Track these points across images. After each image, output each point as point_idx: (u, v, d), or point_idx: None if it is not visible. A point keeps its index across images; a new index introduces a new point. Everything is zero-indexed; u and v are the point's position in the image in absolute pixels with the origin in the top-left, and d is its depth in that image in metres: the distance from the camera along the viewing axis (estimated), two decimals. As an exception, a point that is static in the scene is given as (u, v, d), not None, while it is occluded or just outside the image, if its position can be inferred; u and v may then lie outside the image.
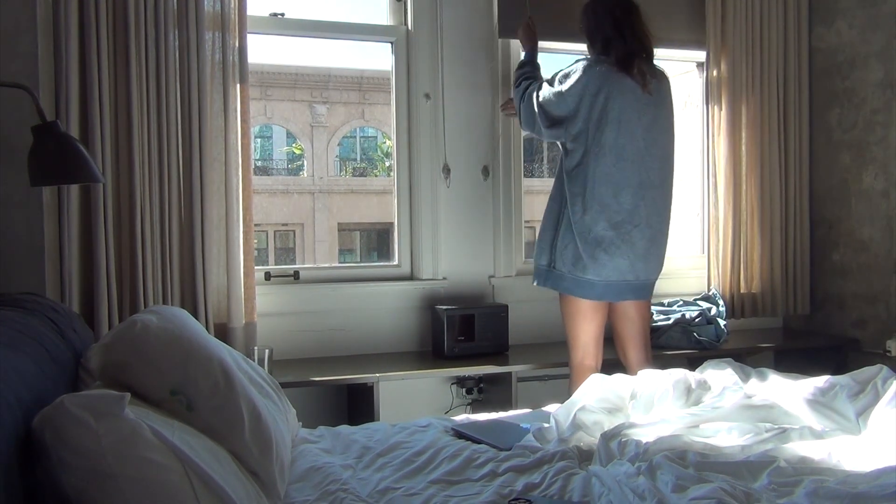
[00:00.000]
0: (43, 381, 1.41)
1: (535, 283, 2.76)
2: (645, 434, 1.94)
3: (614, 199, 2.59)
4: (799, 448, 1.88)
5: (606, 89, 2.59)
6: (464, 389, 3.14)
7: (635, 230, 2.61)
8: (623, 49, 2.62)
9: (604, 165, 2.58)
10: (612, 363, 2.80)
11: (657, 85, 2.67)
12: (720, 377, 2.30)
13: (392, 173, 3.26)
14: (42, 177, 2.04)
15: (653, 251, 2.67)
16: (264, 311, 2.88)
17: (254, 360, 2.31)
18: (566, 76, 2.66)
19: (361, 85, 13.02)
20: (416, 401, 3.07)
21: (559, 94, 2.64)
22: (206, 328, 2.58)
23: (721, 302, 3.31)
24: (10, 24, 2.30)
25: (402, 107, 3.19)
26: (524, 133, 2.93)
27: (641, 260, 2.64)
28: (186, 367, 1.55)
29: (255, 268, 2.83)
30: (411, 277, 3.21)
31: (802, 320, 3.63)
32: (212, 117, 2.71)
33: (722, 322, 3.22)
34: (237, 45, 2.76)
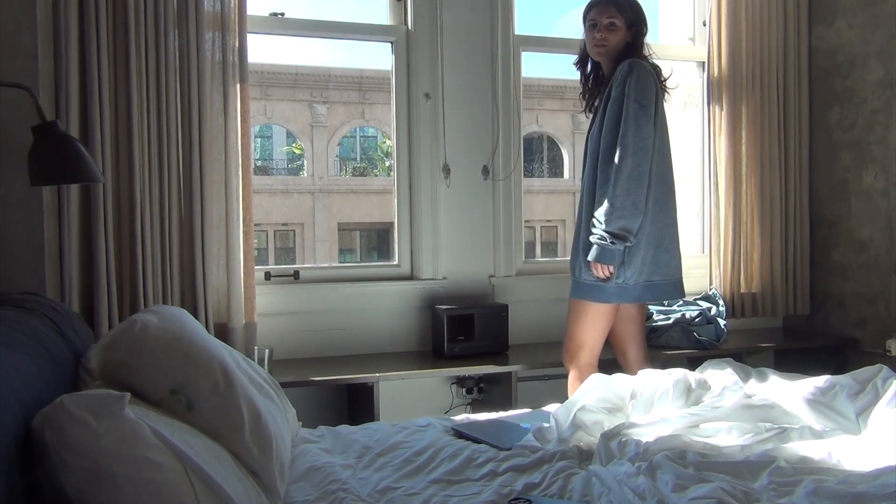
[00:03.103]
0: (43, 381, 1.41)
1: (606, 302, 2.64)
2: (645, 434, 1.95)
3: (670, 196, 2.67)
4: (799, 448, 1.88)
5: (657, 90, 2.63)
6: (464, 389, 3.14)
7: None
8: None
9: (659, 165, 2.62)
10: (612, 363, 2.81)
11: None
12: (720, 377, 2.30)
13: (392, 173, 3.26)
14: (42, 177, 2.04)
15: None
16: (264, 311, 2.88)
17: (254, 360, 2.31)
18: (639, 89, 2.54)
19: (361, 85, 13.05)
20: (416, 401, 3.07)
21: (646, 113, 2.55)
22: (206, 328, 2.58)
23: (721, 302, 3.31)
24: (10, 24, 2.30)
25: (402, 107, 3.19)
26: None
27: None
28: (186, 366, 1.55)
29: (255, 268, 2.83)
30: (411, 277, 3.21)
31: (802, 320, 3.63)
32: (212, 117, 2.71)
33: (722, 322, 3.22)
34: (237, 45, 2.75)
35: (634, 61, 2.60)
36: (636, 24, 2.68)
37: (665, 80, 2.73)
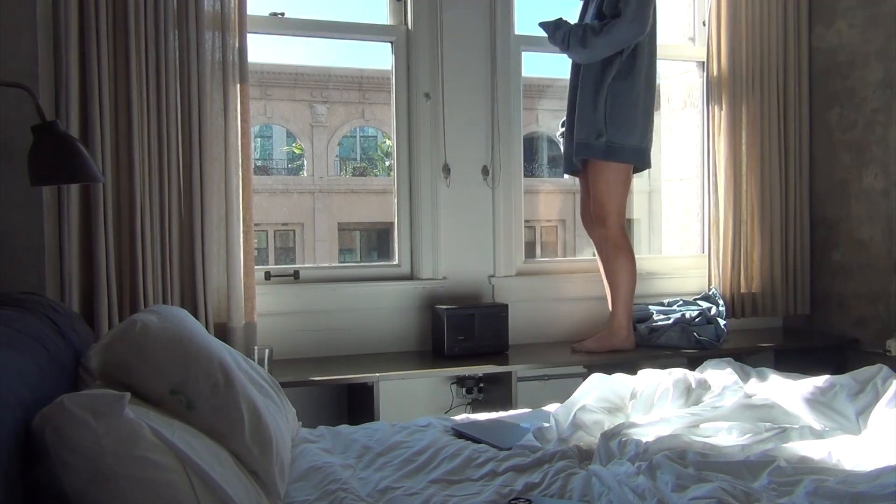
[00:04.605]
0: (43, 381, 1.41)
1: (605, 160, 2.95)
2: (645, 433, 1.95)
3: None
4: (799, 448, 1.88)
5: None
6: (464, 389, 3.14)
7: None
8: None
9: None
10: (616, 363, 2.80)
11: None
12: (720, 377, 2.30)
13: (392, 173, 3.26)
14: (42, 177, 2.05)
15: None
16: (264, 311, 2.88)
17: (254, 360, 2.31)
18: None
19: (361, 85, 13.01)
20: (416, 400, 3.07)
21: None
22: (206, 328, 2.57)
23: (721, 301, 3.31)
24: (10, 24, 2.30)
25: (402, 107, 3.18)
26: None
27: None
28: (186, 366, 1.55)
29: (255, 267, 2.83)
30: (411, 277, 3.21)
31: (802, 320, 3.62)
32: (212, 117, 2.71)
33: (722, 322, 3.21)
34: (237, 44, 2.76)
35: None
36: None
37: None
